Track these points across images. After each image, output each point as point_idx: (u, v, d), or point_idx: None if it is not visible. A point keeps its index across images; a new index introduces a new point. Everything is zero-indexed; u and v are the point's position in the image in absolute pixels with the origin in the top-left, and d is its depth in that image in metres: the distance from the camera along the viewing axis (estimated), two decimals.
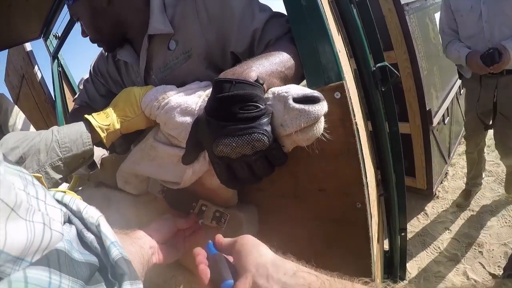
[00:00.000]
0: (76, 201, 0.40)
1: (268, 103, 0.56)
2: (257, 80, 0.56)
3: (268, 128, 0.53)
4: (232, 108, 0.53)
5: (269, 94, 0.58)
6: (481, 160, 2.48)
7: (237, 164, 0.57)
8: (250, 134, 0.52)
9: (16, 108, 1.65)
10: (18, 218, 0.28)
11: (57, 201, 0.38)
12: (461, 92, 2.94)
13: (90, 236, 0.37)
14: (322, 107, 0.54)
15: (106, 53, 1.07)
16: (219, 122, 0.55)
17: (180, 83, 0.78)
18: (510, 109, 2.04)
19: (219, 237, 0.56)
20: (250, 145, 0.52)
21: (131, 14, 0.88)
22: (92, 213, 0.39)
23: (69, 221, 0.38)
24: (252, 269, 0.44)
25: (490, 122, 2.17)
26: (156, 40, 0.88)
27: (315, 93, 0.54)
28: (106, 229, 0.38)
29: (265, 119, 0.53)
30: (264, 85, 0.58)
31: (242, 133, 0.52)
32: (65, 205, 0.39)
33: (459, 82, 2.79)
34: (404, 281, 1.95)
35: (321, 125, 0.56)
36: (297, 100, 0.54)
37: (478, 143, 2.37)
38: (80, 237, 0.37)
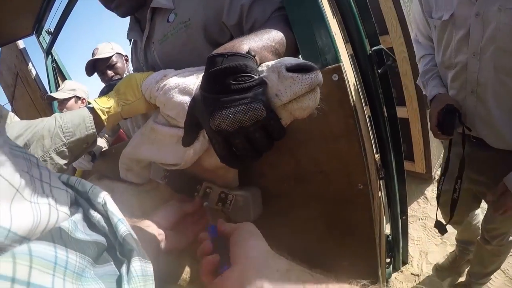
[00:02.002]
0: (82, 181, 0.40)
1: (262, 74, 0.55)
2: (248, 52, 0.56)
3: (264, 98, 0.52)
4: (226, 80, 0.52)
5: (263, 67, 0.57)
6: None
7: (235, 138, 0.56)
8: (246, 104, 0.51)
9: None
10: (23, 200, 0.28)
11: (63, 183, 0.38)
12: None
13: (97, 216, 0.37)
14: (316, 75, 0.53)
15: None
16: (214, 95, 0.54)
17: (178, 53, 0.81)
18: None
19: (221, 223, 0.56)
20: (247, 115, 0.51)
21: None
22: (98, 193, 0.39)
23: (75, 202, 0.38)
24: (244, 260, 0.44)
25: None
26: (158, 14, 0.94)
27: (308, 62, 0.54)
28: (113, 207, 0.38)
29: (260, 89, 0.53)
30: (256, 57, 0.58)
31: (238, 104, 0.51)
32: (71, 187, 0.39)
33: None
34: (407, 264, 1.98)
35: (316, 95, 0.55)
36: (291, 69, 0.53)
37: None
38: (87, 218, 0.37)
